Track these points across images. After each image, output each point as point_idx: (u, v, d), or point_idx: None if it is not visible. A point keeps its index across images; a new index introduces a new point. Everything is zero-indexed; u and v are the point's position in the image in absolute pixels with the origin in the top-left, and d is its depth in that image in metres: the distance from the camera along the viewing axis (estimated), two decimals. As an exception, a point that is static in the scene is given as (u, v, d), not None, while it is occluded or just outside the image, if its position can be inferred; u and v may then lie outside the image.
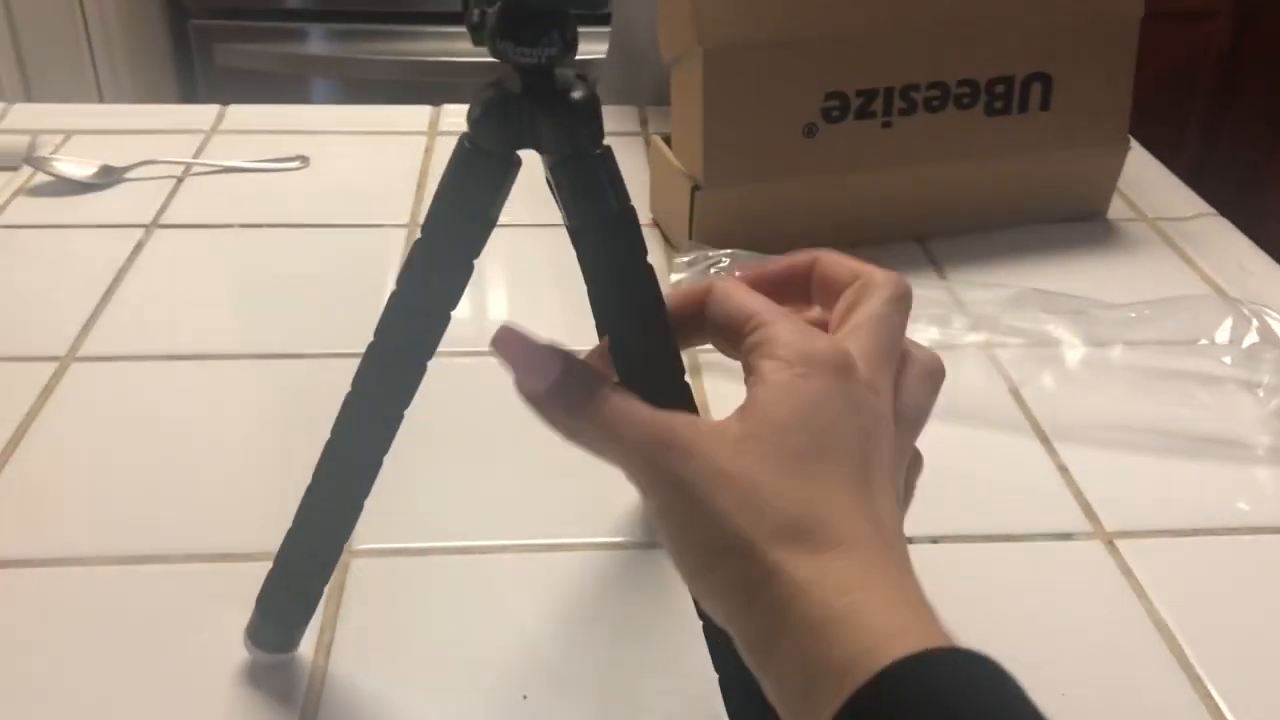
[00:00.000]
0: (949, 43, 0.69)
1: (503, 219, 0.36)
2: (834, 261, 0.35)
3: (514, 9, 0.32)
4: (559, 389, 0.31)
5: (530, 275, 0.69)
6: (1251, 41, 2.09)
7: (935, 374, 0.34)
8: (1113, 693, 0.44)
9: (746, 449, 0.29)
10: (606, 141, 0.34)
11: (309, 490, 0.40)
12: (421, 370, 0.38)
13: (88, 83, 1.81)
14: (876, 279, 0.33)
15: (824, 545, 0.28)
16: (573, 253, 0.34)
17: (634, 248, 0.34)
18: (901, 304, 0.33)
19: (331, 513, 0.40)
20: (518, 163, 0.35)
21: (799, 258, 0.36)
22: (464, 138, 0.34)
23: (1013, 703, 0.25)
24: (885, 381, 0.31)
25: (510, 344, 0.32)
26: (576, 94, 0.33)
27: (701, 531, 0.29)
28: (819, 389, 0.29)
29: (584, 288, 0.35)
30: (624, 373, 0.34)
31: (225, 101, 0.90)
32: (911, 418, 0.32)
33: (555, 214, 0.35)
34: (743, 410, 0.30)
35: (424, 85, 1.91)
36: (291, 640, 0.43)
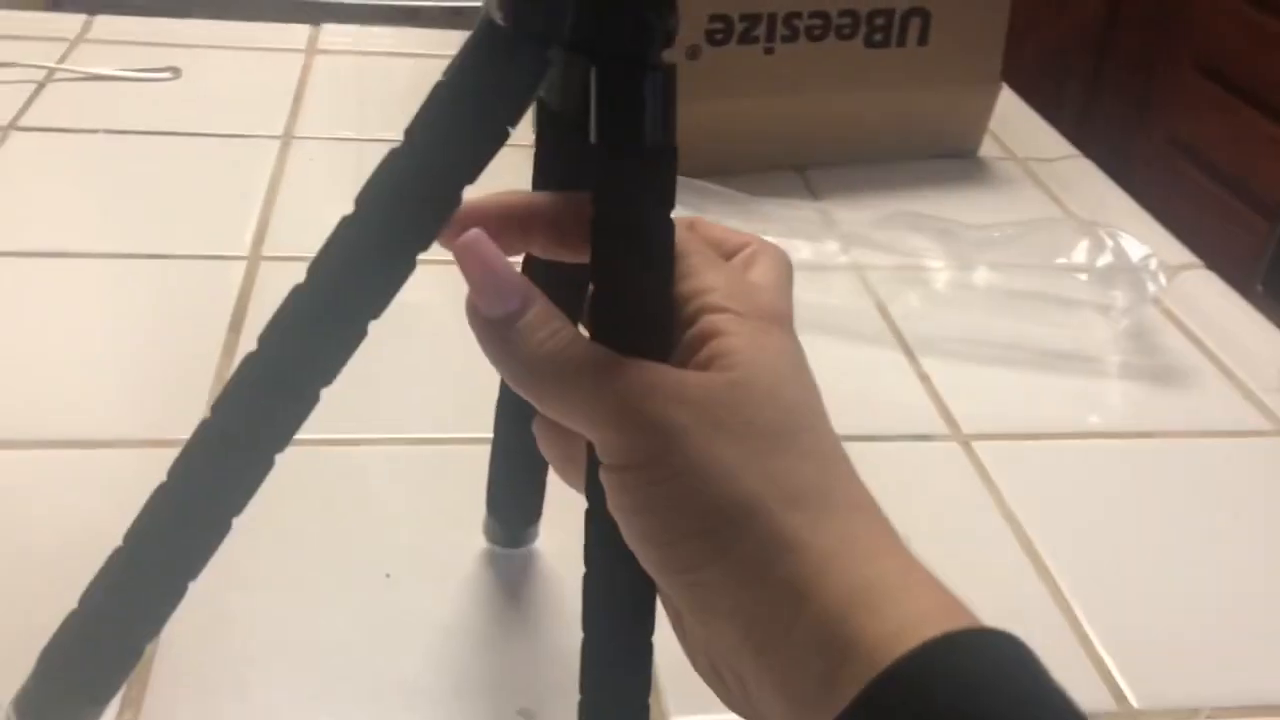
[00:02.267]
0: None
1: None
2: (712, 227, 0.32)
3: None
4: (514, 321, 0.27)
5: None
6: (1122, 26, 2.17)
7: (788, 266, 0.32)
8: (966, 581, 0.46)
9: (741, 399, 0.26)
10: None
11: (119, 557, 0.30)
12: (270, 462, 0.29)
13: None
14: (764, 246, 0.32)
15: (839, 510, 0.26)
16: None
17: (663, 199, 0.28)
18: (790, 272, 0.31)
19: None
20: (545, 64, 0.27)
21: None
22: (486, 21, 0.27)
23: (1045, 685, 0.23)
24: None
25: (475, 256, 0.27)
26: None
27: (699, 492, 0.25)
28: (785, 345, 0.28)
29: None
30: (604, 329, 0.28)
31: (93, 13, 0.86)
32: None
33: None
34: (719, 362, 0.27)
35: (302, 6, 1.86)
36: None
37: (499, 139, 0.27)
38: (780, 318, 0.28)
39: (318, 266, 0.28)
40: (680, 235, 0.29)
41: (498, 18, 0.26)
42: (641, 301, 0.28)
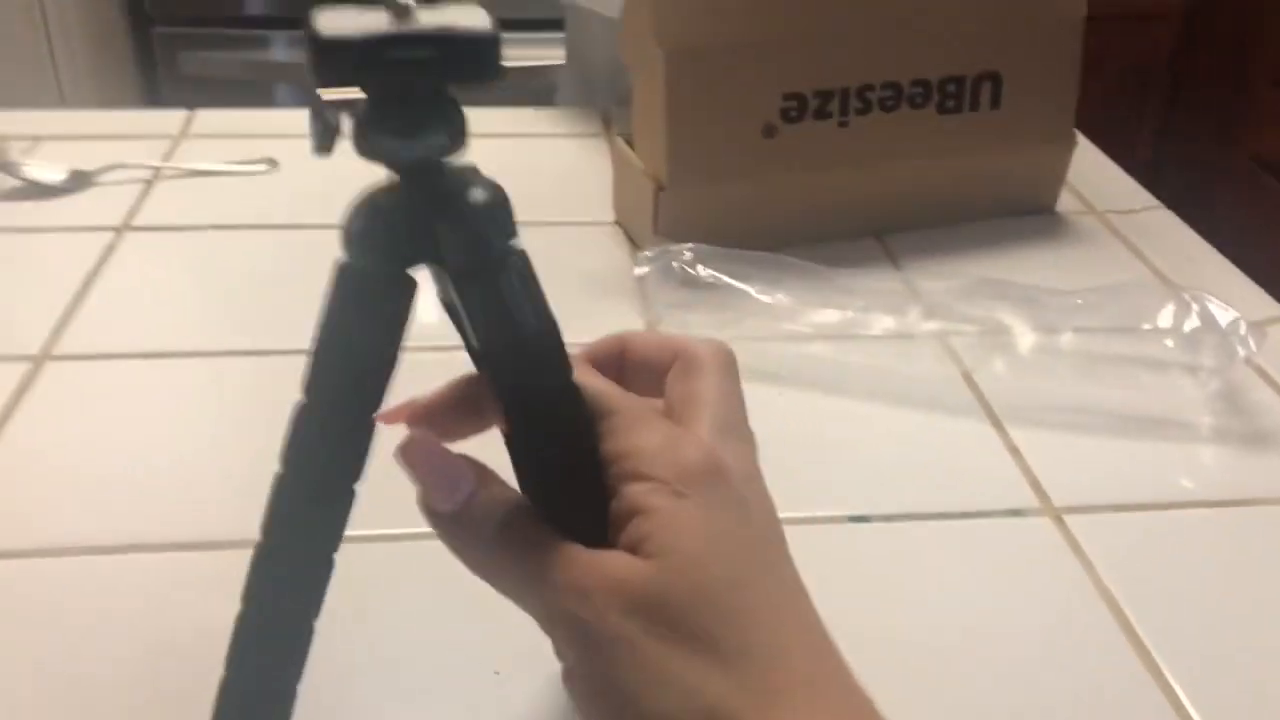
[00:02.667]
0: (902, 44, 0.71)
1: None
2: (645, 342, 0.33)
3: (383, 96, 0.26)
4: (466, 513, 0.29)
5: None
6: (1201, 43, 2.14)
7: (729, 365, 0.32)
8: (1061, 662, 0.46)
9: (666, 597, 0.27)
10: (518, 243, 0.29)
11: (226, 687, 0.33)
12: (329, 564, 0.31)
13: (50, 93, 1.80)
14: (699, 352, 0.32)
15: (768, 692, 0.26)
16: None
17: (558, 371, 0.29)
18: (732, 371, 0.32)
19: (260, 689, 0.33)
20: (413, 284, 0.29)
21: (606, 342, 0.34)
22: (343, 266, 0.29)
23: None
24: (745, 450, 0.31)
25: (418, 454, 0.29)
26: (477, 191, 0.28)
27: (626, 704, 0.26)
28: (709, 514, 0.28)
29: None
30: (539, 509, 0.29)
31: (190, 108, 0.91)
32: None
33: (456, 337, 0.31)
34: (645, 547, 0.27)
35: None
36: None
37: (390, 364, 0.29)
38: (707, 471, 0.28)
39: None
40: (603, 390, 0.30)
41: (344, 259, 0.28)
42: (561, 473, 0.29)
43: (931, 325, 0.64)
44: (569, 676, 0.29)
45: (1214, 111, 2.19)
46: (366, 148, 0.27)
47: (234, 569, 0.48)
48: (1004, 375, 0.61)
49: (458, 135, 0.27)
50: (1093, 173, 0.86)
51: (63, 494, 0.52)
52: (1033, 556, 0.51)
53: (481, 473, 0.29)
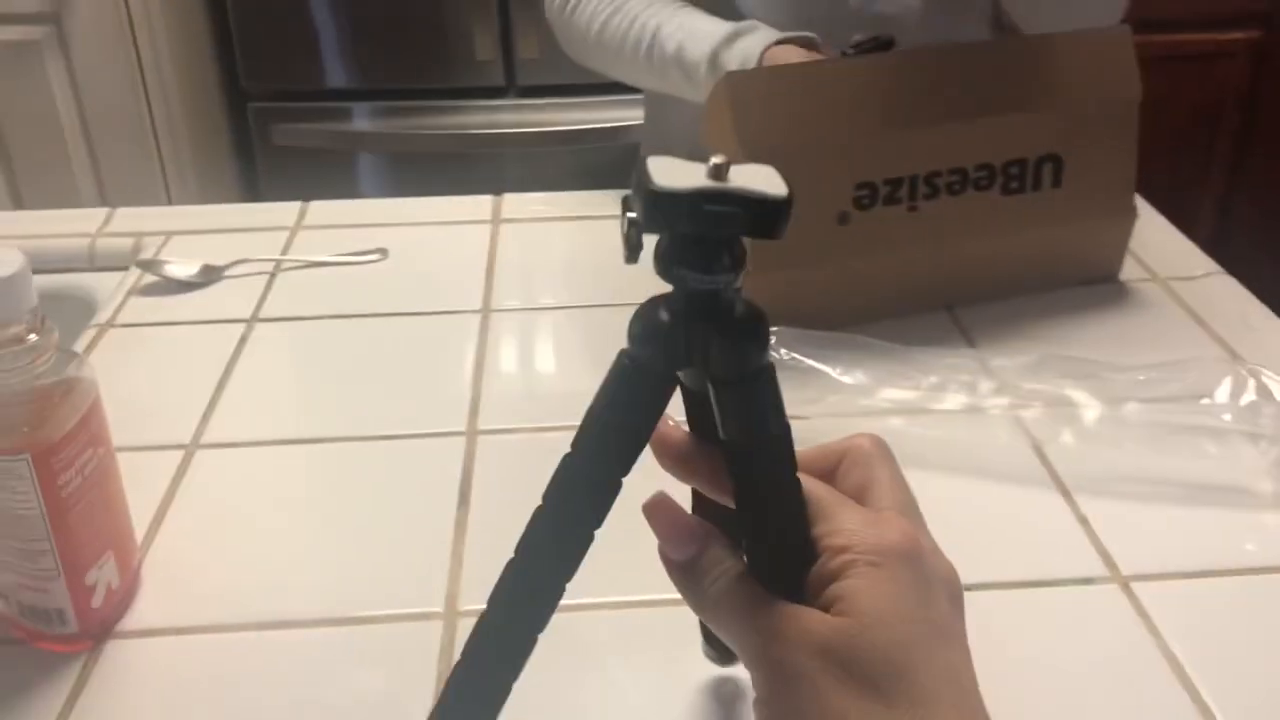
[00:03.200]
0: (966, 133, 0.76)
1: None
2: (805, 454, 0.39)
3: (688, 236, 0.32)
4: (692, 567, 0.36)
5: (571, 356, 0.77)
6: (1271, 80, 2.14)
7: (888, 452, 0.39)
8: (1131, 720, 0.50)
9: (854, 646, 0.32)
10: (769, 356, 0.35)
11: (463, 663, 0.39)
12: (562, 588, 0.37)
13: (152, 165, 1.92)
14: (863, 445, 0.38)
15: None
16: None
17: (787, 467, 0.35)
18: (891, 456, 0.38)
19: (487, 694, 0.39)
20: (675, 382, 0.35)
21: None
22: (625, 354, 0.35)
23: None
24: (922, 527, 0.37)
25: (659, 513, 0.36)
26: (744, 315, 0.34)
27: None
28: (900, 583, 0.34)
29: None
30: (755, 570, 0.36)
31: (281, 179, 1.00)
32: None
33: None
34: (839, 606, 0.33)
35: (468, 156, 2.01)
36: None
37: (643, 437, 0.36)
38: (904, 549, 0.34)
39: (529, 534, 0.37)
40: (813, 482, 0.36)
41: (627, 349, 0.35)
42: (779, 546, 0.35)
43: (1002, 400, 0.69)
44: (758, 705, 0.34)
45: (1282, 147, 2.19)
46: (665, 272, 0.33)
47: (380, 642, 0.54)
48: (1072, 447, 0.66)
49: (738, 272, 0.33)
50: (1156, 240, 0.90)
51: (218, 574, 0.59)
52: (1103, 623, 0.55)
53: (711, 533, 0.36)
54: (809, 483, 0.36)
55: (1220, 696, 0.51)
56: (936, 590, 0.35)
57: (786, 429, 0.35)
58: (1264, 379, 0.64)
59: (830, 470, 0.39)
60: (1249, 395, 0.64)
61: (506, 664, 0.38)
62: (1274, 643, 0.54)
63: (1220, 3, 2.07)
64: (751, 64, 0.81)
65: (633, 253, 0.33)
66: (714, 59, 0.84)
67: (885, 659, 0.32)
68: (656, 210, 0.31)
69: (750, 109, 0.73)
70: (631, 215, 0.32)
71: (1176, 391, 0.65)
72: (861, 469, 0.38)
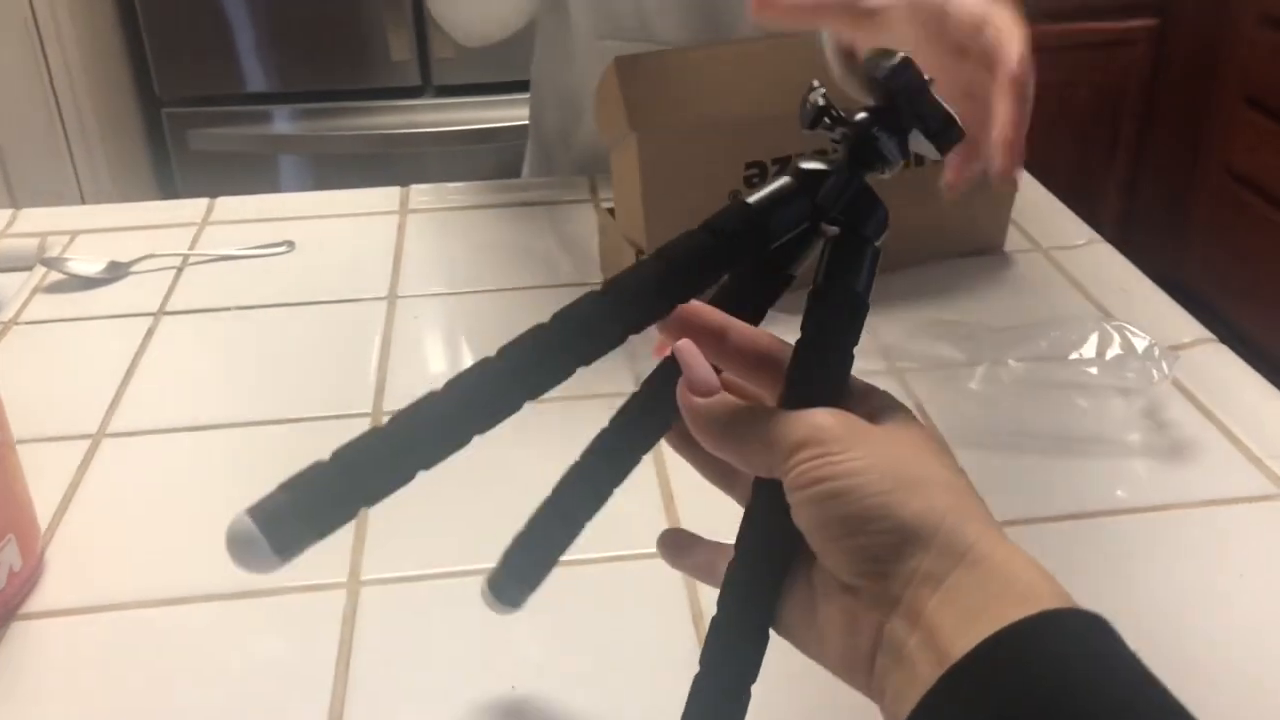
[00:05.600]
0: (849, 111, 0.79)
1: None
2: (750, 333, 0.41)
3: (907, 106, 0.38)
4: (710, 405, 0.37)
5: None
6: (1171, 64, 2.22)
7: None
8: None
9: (904, 430, 0.36)
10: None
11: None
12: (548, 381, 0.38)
13: (65, 171, 1.90)
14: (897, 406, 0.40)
15: (985, 525, 0.35)
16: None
17: (854, 334, 0.38)
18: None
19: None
20: (816, 228, 0.40)
21: (709, 315, 0.42)
22: (806, 161, 0.39)
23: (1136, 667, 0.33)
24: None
25: (692, 353, 0.38)
26: (885, 173, 0.40)
27: (882, 519, 0.34)
28: (919, 429, 0.37)
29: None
30: (802, 378, 0.39)
31: (200, 184, 1.00)
32: None
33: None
34: (877, 420, 0.37)
35: (388, 156, 2.02)
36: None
37: (762, 255, 0.39)
38: (913, 418, 0.38)
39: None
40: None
41: (795, 178, 0.39)
42: (841, 360, 0.38)
43: (886, 362, 0.72)
44: (806, 466, 0.35)
45: (1186, 130, 2.27)
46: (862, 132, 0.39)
47: (277, 614, 0.56)
48: (951, 404, 0.69)
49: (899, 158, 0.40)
50: (1040, 212, 0.94)
51: (125, 555, 0.60)
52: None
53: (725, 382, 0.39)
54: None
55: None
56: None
57: (866, 303, 0.39)
58: (1128, 334, 0.67)
59: (770, 365, 0.40)
60: (1114, 350, 0.67)
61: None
62: (1138, 578, 0.57)
63: (1117, -10, 2.14)
64: None
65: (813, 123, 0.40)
66: None
67: (938, 446, 0.37)
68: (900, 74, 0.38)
69: (640, 91, 0.75)
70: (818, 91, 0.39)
71: (1046, 349, 0.68)
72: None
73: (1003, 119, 0.54)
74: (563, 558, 0.55)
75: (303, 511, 0.35)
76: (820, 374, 0.38)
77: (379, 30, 1.95)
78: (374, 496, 0.35)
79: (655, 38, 0.97)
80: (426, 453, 0.36)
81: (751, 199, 0.39)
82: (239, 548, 0.34)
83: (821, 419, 0.36)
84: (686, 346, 0.38)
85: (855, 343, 0.38)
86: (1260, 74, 2.12)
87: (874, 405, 0.38)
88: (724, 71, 0.78)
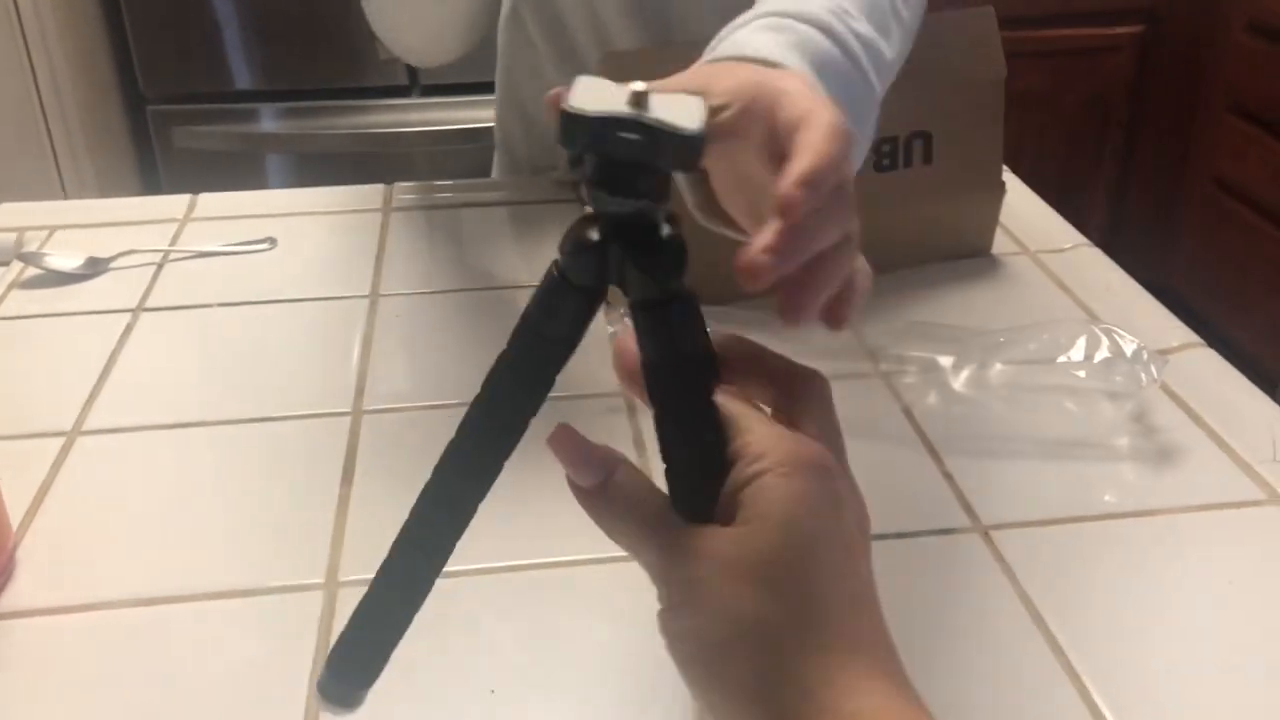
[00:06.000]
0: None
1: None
2: (743, 348, 0.39)
3: (607, 162, 0.33)
4: (600, 491, 0.36)
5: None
6: (1156, 72, 2.22)
7: (826, 389, 0.39)
8: (983, 660, 0.53)
9: (750, 544, 0.33)
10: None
11: (383, 567, 0.40)
12: (492, 478, 0.38)
13: (49, 170, 1.88)
14: (820, 383, 0.39)
15: (829, 645, 0.32)
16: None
17: (704, 388, 0.36)
18: (827, 391, 0.39)
19: (401, 597, 0.40)
20: (604, 293, 0.36)
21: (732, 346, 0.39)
22: (555, 266, 0.36)
23: None
24: (843, 460, 0.37)
25: (564, 443, 0.36)
26: (661, 236, 0.35)
27: (715, 626, 0.33)
28: (806, 489, 0.34)
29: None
30: (673, 491, 0.37)
31: (185, 183, 0.98)
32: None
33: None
34: (742, 514, 0.34)
35: (375, 155, 2.00)
36: (358, 699, 0.41)
37: (568, 354, 0.37)
38: (815, 465, 0.35)
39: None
40: (735, 404, 0.37)
41: (559, 272, 0.36)
42: (691, 464, 0.36)
43: (874, 366, 0.71)
44: (661, 615, 0.35)
45: (1173, 136, 2.28)
46: (588, 196, 0.34)
47: (266, 612, 0.55)
48: (938, 408, 0.68)
49: (657, 198, 0.34)
50: (1027, 215, 0.94)
51: (97, 555, 0.59)
52: (964, 570, 0.58)
53: (618, 459, 0.37)
54: (732, 403, 0.36)
55: (1071, 634, 0.53)
56: (844, 511, 0.35)
57: (705, 352, 0.36)
58: (1116, 337, 0.67)
59: (781, 387, 0.39)
60: (1103, 353, 0.67)
61: (425, 571, 0.39)
62: (1126, 583, 0.57)
63: (1104, -2, 2.15)
64: None
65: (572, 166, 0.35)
66: None
67: (780, 560, 0.33)
68: (567, 130, 0.32)
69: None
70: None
71: (1035, 352, 0.68)
72: (805, 402, 0.38)
73: (756, 242, 0.37)
74: (541, 560, 0.54)
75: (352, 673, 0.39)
76: (686, 464, 0.36)
77: (366, 29, 1.94)
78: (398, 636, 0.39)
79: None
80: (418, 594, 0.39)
81: (531, 318, 0.36)
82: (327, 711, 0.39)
83: (670, 569, 0.34)
84: (558, 436, 0.37)
85: (712, 390, 0.36)
86: (1246, 81, 2.12)
87: (789, 461, 0.35)
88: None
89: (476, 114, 1.96)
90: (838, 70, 0.51)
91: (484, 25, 0.96)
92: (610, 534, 0.37)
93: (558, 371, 0.37)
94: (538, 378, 0.36)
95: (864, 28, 0.53)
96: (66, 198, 1.88)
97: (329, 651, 0.40)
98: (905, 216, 0.83)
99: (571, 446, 0.37)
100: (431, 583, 0.39)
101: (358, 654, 0.40)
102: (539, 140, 1.05)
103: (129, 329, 0.79)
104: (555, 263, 0.36)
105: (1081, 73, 2.21)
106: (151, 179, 2.03)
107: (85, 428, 0.69)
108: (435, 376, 0.73)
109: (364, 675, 0.40)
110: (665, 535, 0.35)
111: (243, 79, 1.98)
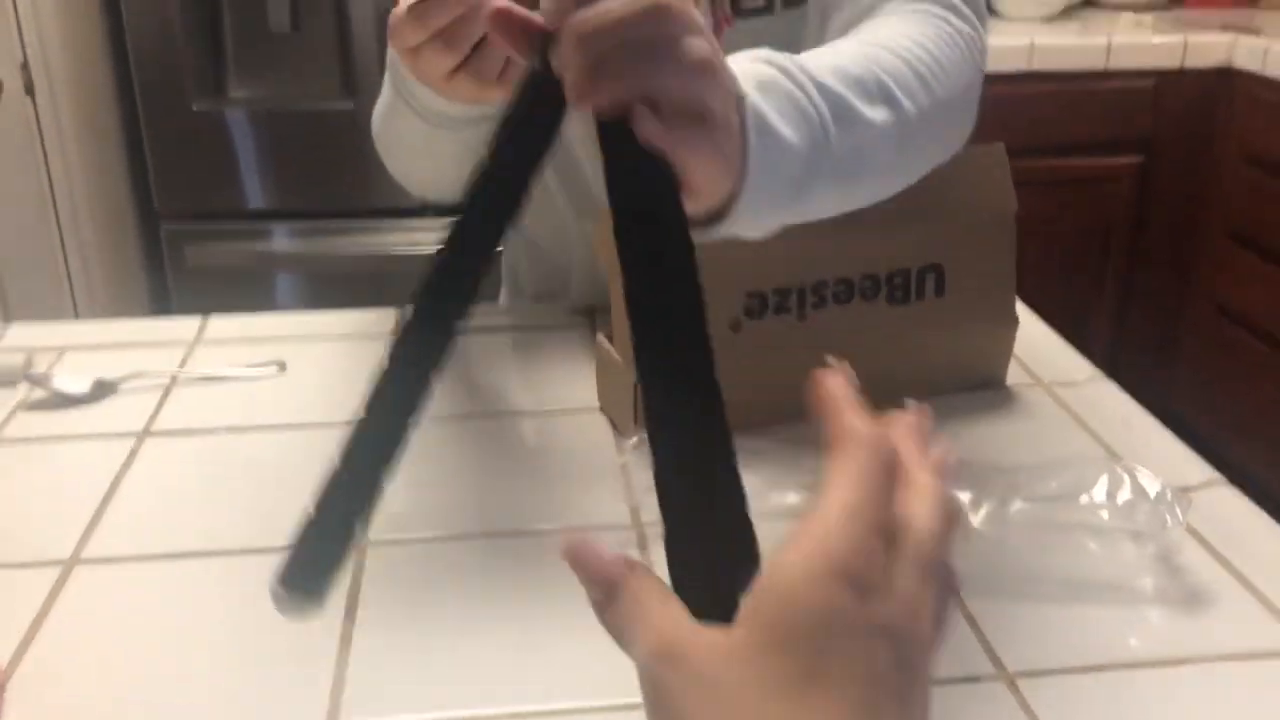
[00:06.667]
0: (851, 244, 0.79)
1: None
2: (832, 401, 0.36)
3: None
4: (614, 605, 0.33)
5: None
6: (1156, 200, 2.26)
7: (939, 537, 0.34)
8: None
9: (736, 660, 0.29)
10: None
11: (347, 440, 0.41)
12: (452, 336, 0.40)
13: (60, 282, 1.90)
14: (855, 442, 0.33)
15: None
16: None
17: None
18: (884, 473, 0.32)
19: (363, 469, 0.41)
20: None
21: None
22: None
23: None
24: (892, 570, 0.31)
25: (577, 555, 0.34)
26: None
27: None
28: (822, 601, 0.29)
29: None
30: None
31: (195, 299, 0.99)
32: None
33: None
34: (742, 613, 0.30)
35: (385, 275, 2.02)
36: (321, 590, 0.41)
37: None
38: (841, 574, 0.30)
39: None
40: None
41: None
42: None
43: (890, 502, 0.70)
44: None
45: (1175, 263, 2.30)
46: None
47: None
48: (958, 548, 0.67)
49: None
50: (1041, 346, 0.93)
51: (93, 696, 0.56)
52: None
53: (634, 565, 0.34)
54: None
55: (1103, 791, 0.51)
56: (876, 641, 0.30)
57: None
58: (1139, 477, 0.66)
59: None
60: (1125, 493, 0.66)
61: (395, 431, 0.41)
62: (1155, 736, 0.55)
63: (1101, 130, 2.19)
64: None
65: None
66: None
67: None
68: None
69: (642, 221, 0.75)
70: None
71: (1056, 490, 0.67)
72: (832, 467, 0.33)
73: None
74: (556, 706, 0.52)
75: (311, 564, 0.40)
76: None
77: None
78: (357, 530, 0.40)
79: None
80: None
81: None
82: (281, 608, 0.41)
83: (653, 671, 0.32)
84: (575, 550, 0.35)
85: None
86: (1245, 210, 2.15)
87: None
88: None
89: (486, 235, 1.98)
90: (774, 79, 0.55)
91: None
92: (622, 646, 0.34)
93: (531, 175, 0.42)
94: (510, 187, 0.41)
95: (829, 79, 0.57)
96: (77, 310, 1.89)
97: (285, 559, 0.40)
98: (918, 349, 0.83)
99: (585, 559, 0.35)
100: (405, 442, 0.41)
101: (318, 545, 0.41)
102: (546, 273, 1.06)
103: (133, 453, 0.78)
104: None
105: (1082, 201, 2.24)
106: (161, 295, 2.05)
107: (84, 556, 0.67)
108: (446, 506, 0.72)
109: (326, 570, 0.41)
110: (650, 633, 0.32)
111: (256, 198, 2.01)
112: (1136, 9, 2.53)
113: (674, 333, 0.39)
